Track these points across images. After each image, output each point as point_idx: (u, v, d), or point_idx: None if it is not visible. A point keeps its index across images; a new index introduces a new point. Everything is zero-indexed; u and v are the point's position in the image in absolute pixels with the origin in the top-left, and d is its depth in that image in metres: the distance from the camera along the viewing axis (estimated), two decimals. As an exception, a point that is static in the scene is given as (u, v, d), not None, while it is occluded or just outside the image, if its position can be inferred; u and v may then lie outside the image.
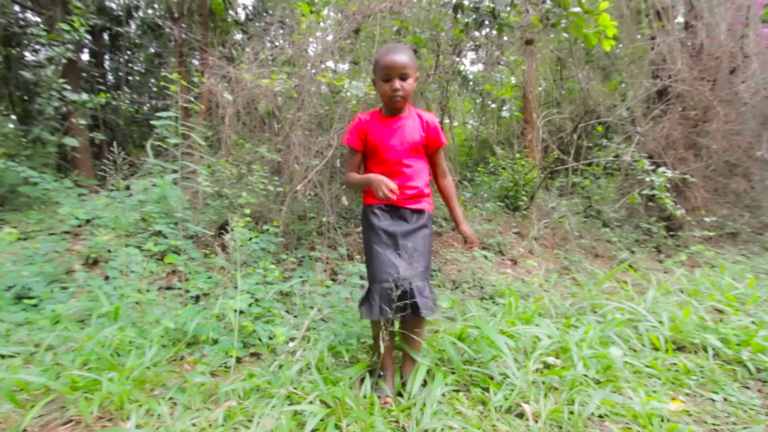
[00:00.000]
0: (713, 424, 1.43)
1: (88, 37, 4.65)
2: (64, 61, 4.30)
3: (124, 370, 1.53)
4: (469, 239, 1.77)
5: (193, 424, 1.34)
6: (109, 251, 2.55)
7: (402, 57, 1.51)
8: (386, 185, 1.46)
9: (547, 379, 1.63)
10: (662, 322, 2.15)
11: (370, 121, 1.63)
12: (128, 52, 7.04)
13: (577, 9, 2.96)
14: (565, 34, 3.46)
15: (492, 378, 1.64)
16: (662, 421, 1.42)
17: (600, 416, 1.46)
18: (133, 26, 6.88)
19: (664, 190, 3.69)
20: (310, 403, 1.43)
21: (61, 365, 1.60)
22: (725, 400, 1.59)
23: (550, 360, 1.80)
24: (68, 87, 4.12)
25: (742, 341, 1.96)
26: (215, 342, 1.94)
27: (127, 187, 3.12)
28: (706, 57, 4.82)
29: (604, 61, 5.91)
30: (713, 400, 1.58)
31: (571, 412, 1.43)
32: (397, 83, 1.53)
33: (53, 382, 1.43)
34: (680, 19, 5.61)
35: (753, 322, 2.24)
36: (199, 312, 2.06)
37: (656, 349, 1.99)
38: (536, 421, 1.40)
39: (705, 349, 1.95)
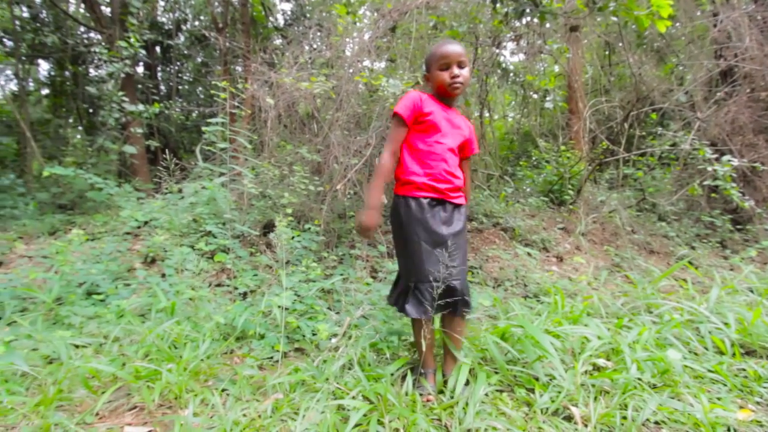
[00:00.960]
0: (790, 437, 1.31)
1: (143, 51, 5.00)
2: (122, 75, 4.65)
3: (181, 361, 1.64)
4: None
5: (244, 415, 1.41)
6: (165, 250, 2.74)
7: (458, 47, 1.58)
8: (367, 228, 1.50)
9: (597, 381, 1.56)
10: (728, 324, 1.98)
11: (428, 101, 1.60)
12: (178, 63, 7.50)
13: (627, -11, 2.77)
14: (614, 18, 3.25)
15: (537, 379, 1.59)
16: (728, 430, 1.31)
17: (656, 423, 1.37)
18: (182, 38, 7.30)
19: (730, 180, 3.38)
20: (353, 398, 1.46)
21: (126, 356, 1.74)
22: (804, 410, 1.44)
23: (601, 362, 1.71)
24: (126, 99, 4.45)
25: (825, 346, 1.77)
26: (262, 337, 2.02)
27: (180, 191, 3.33)
28: (778, 31, 4.35)
29: (658, 42, 5.51)
30: (790, 411, 1.44)
31: (624, 417, 1.35)
32: (456, 70, 1.56)
33: (120, 371, 1.56)
34: (747, -9, 5.10)
35: (839, 326, 2.01)
36: (246, 308, 2.16)
37: (721, 353, 1.84)
38: (585, 425, 1.34)
39: (780, 355, 1.77)
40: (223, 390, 1.57)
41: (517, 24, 3.73)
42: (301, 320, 2.13)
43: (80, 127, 7.21)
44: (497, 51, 4.10)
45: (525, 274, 2.98)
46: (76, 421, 1.35)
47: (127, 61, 4.54)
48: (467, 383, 1.55)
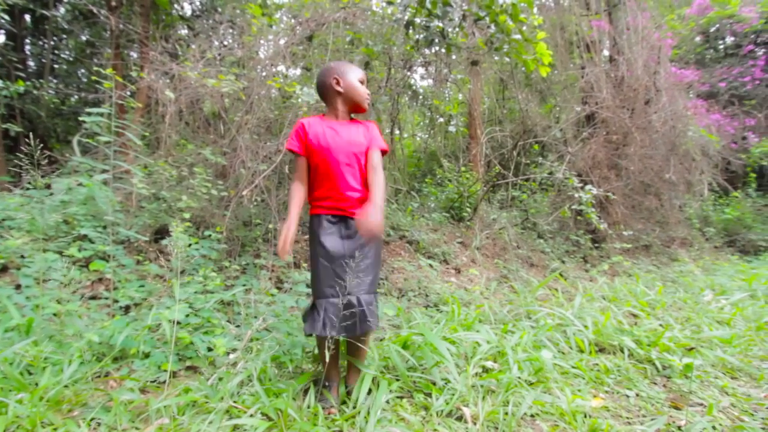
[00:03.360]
0: (627, 418, 1.59)
1: (6, 17, 4.18)
2: (-27, 41, 3.82)
3: (36, 390, 1.38)
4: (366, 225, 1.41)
5: (119, 446, 1.24)
6: (23, 257, 2.29)
7: None
8: (281, 246, 1.50)
9: (486, 382, 1.72)
10: (587, 326, 2.36)
11: (314, 125, 1.62)
12: (54, 38, 6.41)
13: (518, 36, 3.20)
14: (507, 59, 3.72)
15: (434, 383, 1.69)
16: (585, 417, 1.55)
17: (532, 416, 1.56)
18: (62, 10, 6.28)
19: (590, 206, 4.06)
20: (251, 416, 1.39)
21: (-43, 387, 1.41)
22: (637, 395, 1.77)
23: (489, 364, 1.89)
24: (-22, 71, 3.66)
25: (651, 342, 2.20)
26: (147, 356, 1.80)
27: (48, 186, 2.82)
28: (626, 88, 5.41)
29: (541, 85, 6.41)
30: (627, 396, 1.76)
31: (506, 413, 1.52)
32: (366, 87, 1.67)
33: (-53, 407, 1.25)
34: (606, 53, 6.26)
35: (661, 325, 2.53)
36: (128, 324, 1.91)
37: (581, 351, 2.18)
38: (475, 423, 1.47)
39: (622, 350, 2.16)
40: (92, 419, 1.36)
41: (427, 51, 4.01)
42: (195, 335, 1.96)
43: None
44: (408, 73, 4.36)
45: (427, 285, 3.16)
46: None
47: (-18, 27, 3.75)
48: (369, 392, 1.58)
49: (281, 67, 3.76)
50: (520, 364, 1.83)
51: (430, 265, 3.53)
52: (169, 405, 1.43)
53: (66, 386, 1.47)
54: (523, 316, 2.66)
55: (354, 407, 1.51)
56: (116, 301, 2.18)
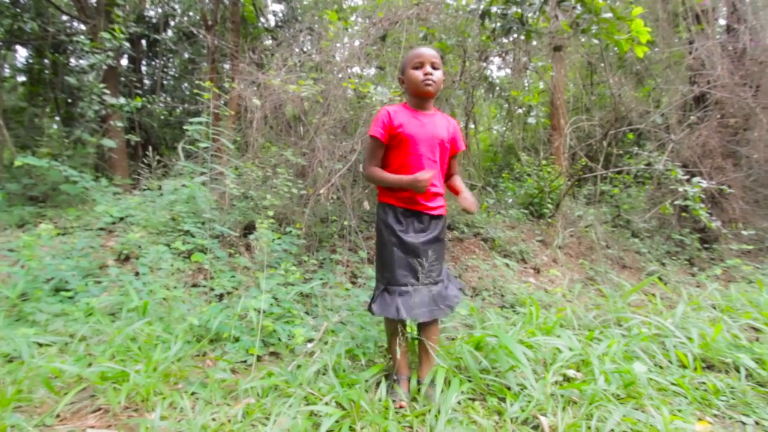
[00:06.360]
0: (744, 449, 1.36)
1: (127, 44, 4.89)
2: (104, 67, 4.54)
3: (150, 363, 1.60)
4: (468, 203, 1.63)
5: (213, 419, 1.39)
6: (140, 248, 2.67)
7: (432, 50, 1.62)
8: (424, 179, 1.50)
9: (566, 392, 1.59)
10: (691, 339, 2.06)
11: (398, 113, 1.62)
12: (164, 58, 7.37)
13: (609, 15, 2.89)
14: (596, 41, 3.37)
15: (509, 388, 1.61)
16: (688, 442, 1.36)
17: (621, 434, 1.41)
18: (170, 33, 7.19)
19: (699, 201, 3.53)
20: (326, 404, 1.46)
21: (92, 356, 1.69)
22: (757, 423, 1.50)
23: (570, 373, 1.75)
24: (108, 91, 4.34)
25: (779, 363, 1.85)
26: (237, 340, 1.99)
27: (159, 188, 3.26)
28: (749, 62, 4.60)
29: (638, 66, 5.72)
30: (744, 423, 1.50)
31: (589, 428, 1.39)
32: (429, 68, 1.58)
33: (85, 372, 1.51)
34: (722, 22, 5.38)
35: (793, 343, 2.11)
36: (222, 310, 2.12)
37: (684, 366, 1.91)
38: (553, 435, 1.37)
39: (737, 369, 1.85)
40: (192, 393, 1.54)
41: (504, 40, 3.82)
42: (277, 324, 2.11)
43: (57, 118, 6.98)
44: (484, 65, 4.19)
45: (502, 285, 3.03)
46: (34, 423, 1.30)
47: (110, 53, 4.44)
48: (441, 391, 1.56)
49: (356, 68, 3.86)
50: (607, 375, 1.67)
51: (507, 264, 3.37)
52: (255, 386, 1.56)
53: (172, 362, 1.68)
54: (612, 322, 2.41)
55: (424, 405, 1.51)
56: (212, 290, 2.44)
